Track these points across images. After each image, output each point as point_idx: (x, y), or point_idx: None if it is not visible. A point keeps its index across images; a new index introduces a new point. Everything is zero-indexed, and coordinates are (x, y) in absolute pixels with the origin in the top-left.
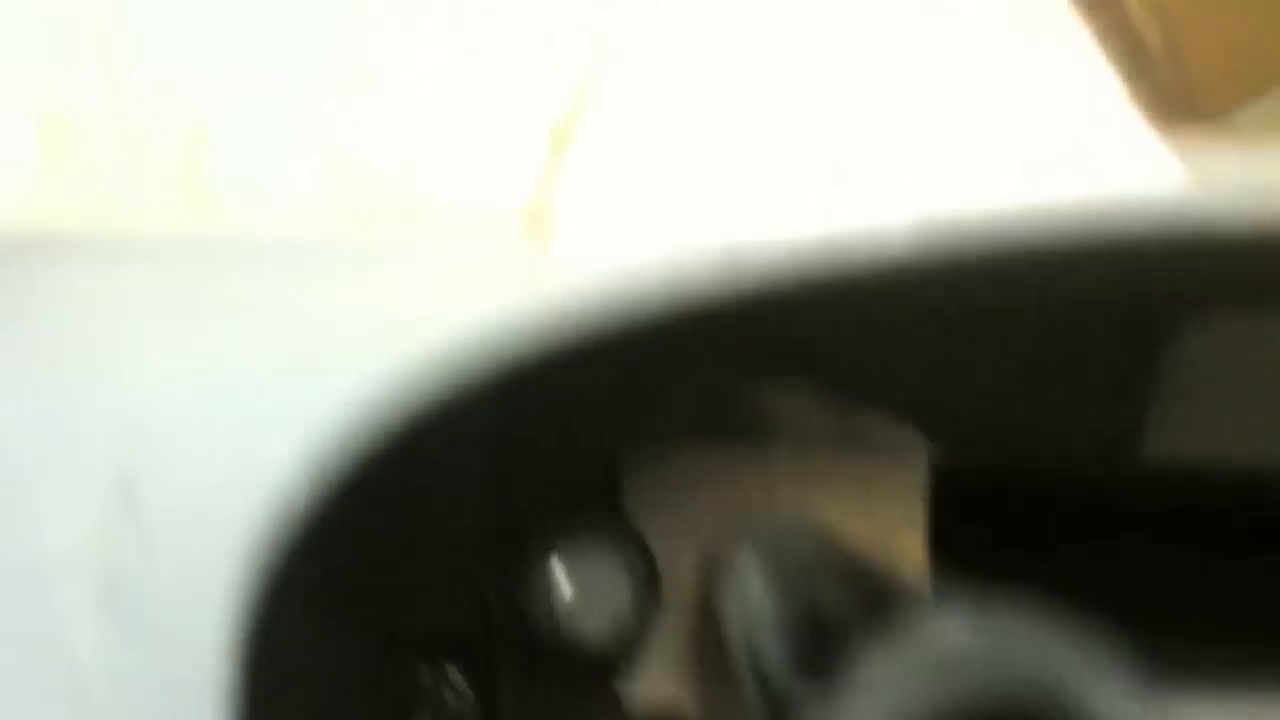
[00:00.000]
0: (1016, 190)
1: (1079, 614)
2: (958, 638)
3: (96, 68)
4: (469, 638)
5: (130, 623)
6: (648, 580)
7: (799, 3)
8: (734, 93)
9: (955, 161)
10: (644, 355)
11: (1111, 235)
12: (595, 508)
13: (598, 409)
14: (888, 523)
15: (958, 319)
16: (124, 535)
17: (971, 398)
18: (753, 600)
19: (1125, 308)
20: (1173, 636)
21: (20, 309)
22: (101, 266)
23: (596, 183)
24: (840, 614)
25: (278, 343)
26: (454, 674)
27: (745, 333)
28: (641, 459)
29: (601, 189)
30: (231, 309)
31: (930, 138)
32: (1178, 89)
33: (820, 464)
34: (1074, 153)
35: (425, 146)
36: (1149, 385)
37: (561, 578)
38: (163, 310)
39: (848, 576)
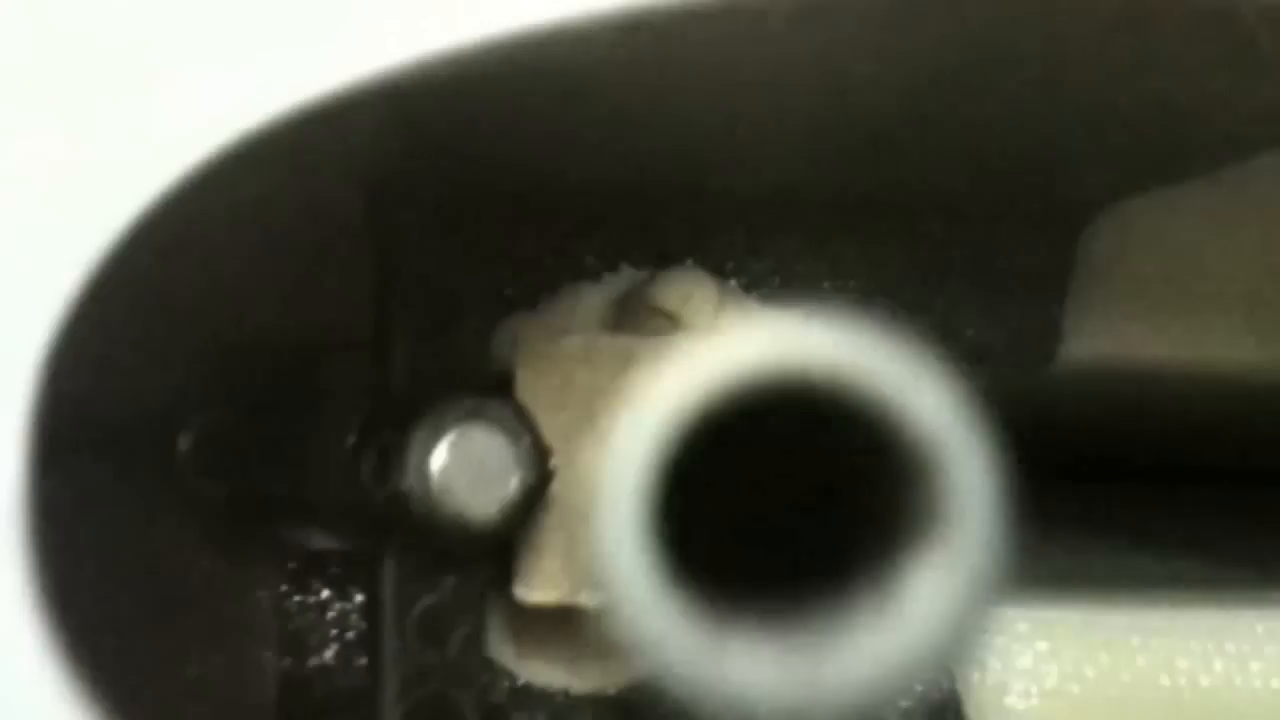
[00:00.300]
0: None
1: None
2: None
3: None
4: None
5: None
6: (538, 468)
7: None
8: None
9: None
10: None
11: None
12: (482, 392)
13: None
14: None
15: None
16: None
17: (878, 298)
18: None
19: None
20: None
21: None
22: None
23: None
24: None
25: None
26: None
27: None
28: (533, 346)
29: None
30: None
31: None
32: None
33: None
34: None
35: None
36: (1063, 281)
37: (446, 462)
38: None
39: None
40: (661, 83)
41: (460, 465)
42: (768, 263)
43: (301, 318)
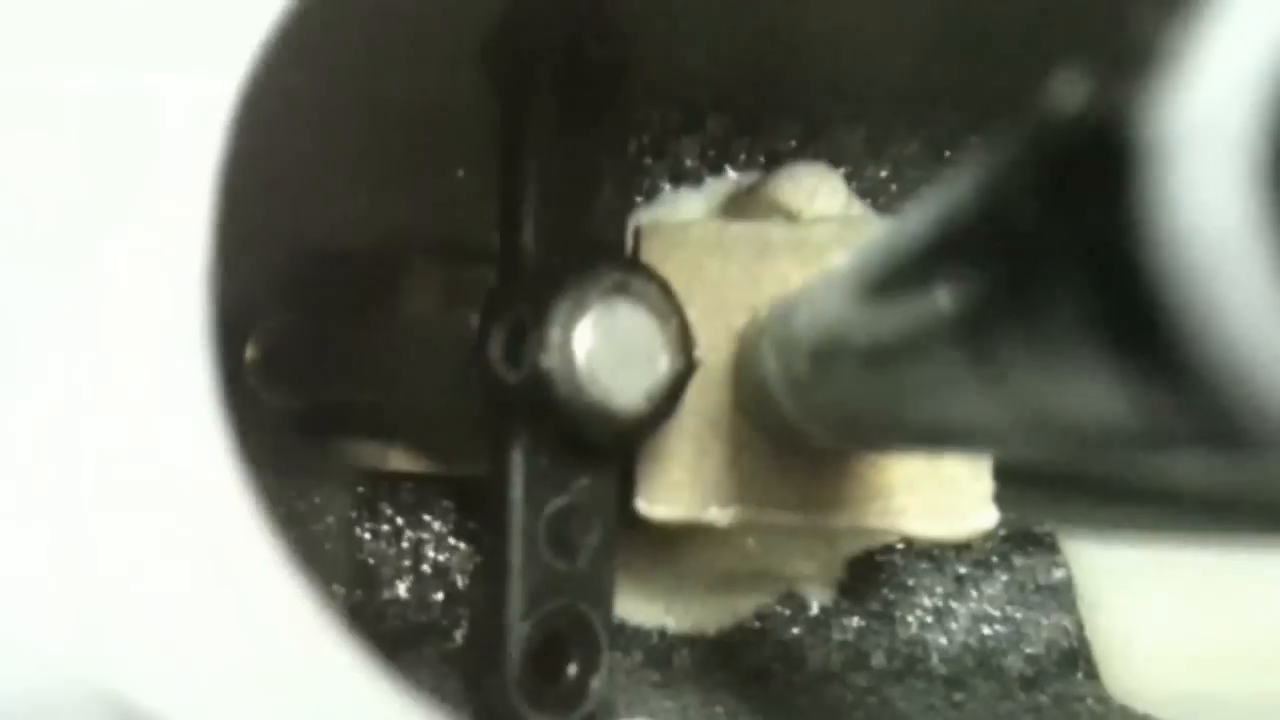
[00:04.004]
0: None
1: None
2: None
3: None
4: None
5: None
6: (686, 354)
7: None
8: None
9: None
10: None
11: None
12: (625, 267)
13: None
14: None
15: None
16: None
17: None
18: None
19: None
20: None
21: None
22: None
23: None
24: None
25: None
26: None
27: None
28: (657, 233)
29: None
30: None
31: None
32: None
33: (863, 239)
34: None
35: None
36: None
37: (592, 340)
38: None
39: None
40: None
41: (606, 345)
42: (886, 168)
43: (380, 215)
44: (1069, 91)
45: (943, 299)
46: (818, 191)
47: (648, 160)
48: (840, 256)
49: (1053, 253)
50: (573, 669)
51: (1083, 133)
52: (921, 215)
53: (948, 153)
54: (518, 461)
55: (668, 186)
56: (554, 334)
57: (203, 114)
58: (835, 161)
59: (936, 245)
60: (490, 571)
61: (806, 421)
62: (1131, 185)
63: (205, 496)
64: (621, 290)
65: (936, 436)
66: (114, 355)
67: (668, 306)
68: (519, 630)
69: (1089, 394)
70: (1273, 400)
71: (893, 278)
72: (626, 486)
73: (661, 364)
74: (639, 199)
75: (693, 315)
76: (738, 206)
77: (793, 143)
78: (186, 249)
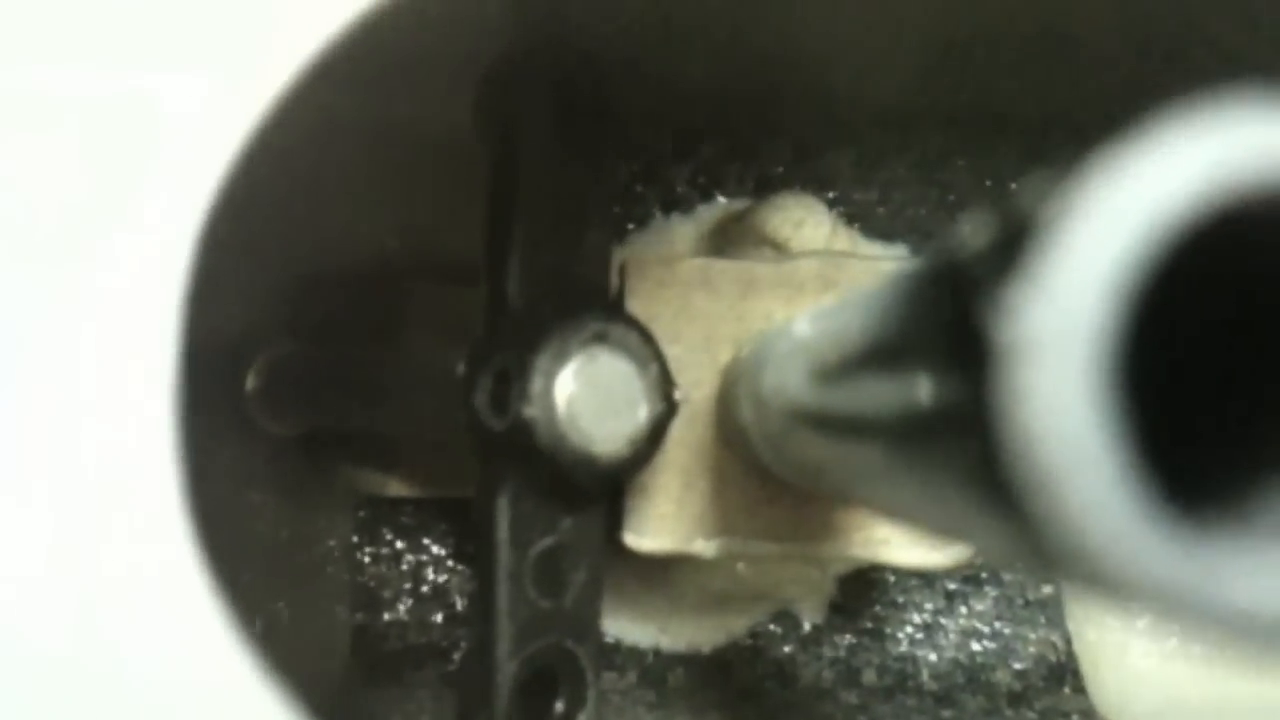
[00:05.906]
0: None
1: None
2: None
3: None
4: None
5: None
6: (666, 399)
7: None
8: None
9: None
10: None
11: None
12: (606, 315)
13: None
14: None
15: None
16: None
17: None
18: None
19: None
20: None
21: None
22: None
23: None
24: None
25: None
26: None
27: None
28: (644, 269)
29: None
30: None
31: None
32: None
33: (845, 276)
34: None
35: None
36: None
37: (573, 389)
38: None
39: None
40: None
41: (588, 393)
42: (875, 191)
43: (381, 243)
44: (967, 244)
45: (878, 405)
46: (804, 221)
47: (639, 187)
48: (823, 294)
49: (948, 395)
50: (560, 705)
51: (962, 308)
52: (862, 317)
53: (936, 176)
54: (503, 505)
55: (659, 213)
56: (536, 384)
57: (201, 115)
58: (825, 185)
59: (867, 354)
60: (479, 611)
61: (780, 470)
62: (990, 374)
63: (145, 509)
64: (602, 339)
65: (894, 515)
66: (111, 354)
67: (647, 353)
68: (507, 668)
69: (985, 524)
70: (1126, 580)
71: (837, 372)
72: (615, 518)
73: (641, 410)
74: (630, 226)
75: (679, 351)
76: (726, 234)
77: (781, 168)
78: (176, 252)
